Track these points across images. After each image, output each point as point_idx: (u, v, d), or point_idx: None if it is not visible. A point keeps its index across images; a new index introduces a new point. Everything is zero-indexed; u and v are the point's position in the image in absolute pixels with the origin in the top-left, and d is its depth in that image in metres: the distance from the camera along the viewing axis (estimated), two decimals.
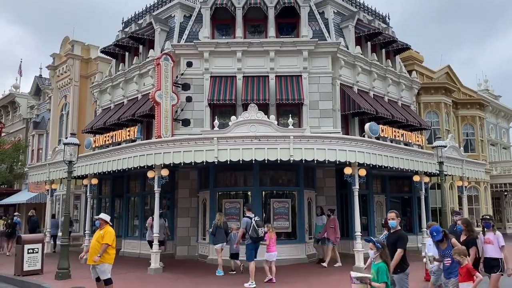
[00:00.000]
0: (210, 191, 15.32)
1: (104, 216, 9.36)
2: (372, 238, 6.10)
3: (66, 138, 12.80)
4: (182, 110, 16.51)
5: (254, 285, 10.42)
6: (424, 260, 9.67)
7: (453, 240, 7.57)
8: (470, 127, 26.40)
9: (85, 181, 16.42)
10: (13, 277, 12.29)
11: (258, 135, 12.16)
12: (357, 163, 12.89)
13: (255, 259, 10.86)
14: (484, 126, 27.36)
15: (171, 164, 12.62)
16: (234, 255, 12.35)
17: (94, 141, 16.19)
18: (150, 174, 13.28)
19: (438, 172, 15.64)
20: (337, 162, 12.52)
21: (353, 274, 5.63)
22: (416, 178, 15.89)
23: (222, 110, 16.68)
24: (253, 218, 11.05)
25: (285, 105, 16.51)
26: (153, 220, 13.11)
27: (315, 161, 12.37)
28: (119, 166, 13.88)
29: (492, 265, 7.60)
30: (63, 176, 16.48)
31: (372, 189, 17.92)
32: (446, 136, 20.16)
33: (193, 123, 16.43)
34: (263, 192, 15.03)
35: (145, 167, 13.07)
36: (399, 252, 6.74)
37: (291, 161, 12.25)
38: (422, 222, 16.20)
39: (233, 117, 13.31)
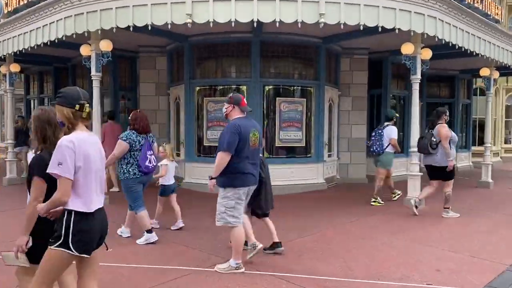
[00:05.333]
0: (186, 85, 10.28)
1: None
2: None
3: None
4: None
5: None
6: None
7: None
8: None
9: (3, 69, 11.13)
10: None
11: None
12: (424, 36, 7.84)
13: None
14: None
15: (114, 30, 7.37)
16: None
17: (6, 4, 10.61)
18: (83, 50, 8.17)
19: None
20: (396, 31, 7.39)
21: None
22: (484, 71, 10.92)
23: None
24: None
25: None
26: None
27: (362, 27, 7.20)
28: (39, 40, 8.66)
29: None
30: None
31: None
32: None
33: None
34: (266, 87, 10.05)
35: (74, 36, 7.82)
36: None
37: (321, 26, 7.08)
38: (488, 135, 11.49)
39: None
